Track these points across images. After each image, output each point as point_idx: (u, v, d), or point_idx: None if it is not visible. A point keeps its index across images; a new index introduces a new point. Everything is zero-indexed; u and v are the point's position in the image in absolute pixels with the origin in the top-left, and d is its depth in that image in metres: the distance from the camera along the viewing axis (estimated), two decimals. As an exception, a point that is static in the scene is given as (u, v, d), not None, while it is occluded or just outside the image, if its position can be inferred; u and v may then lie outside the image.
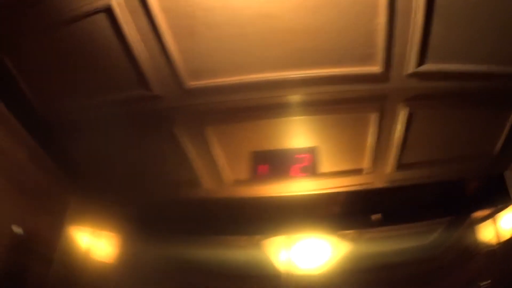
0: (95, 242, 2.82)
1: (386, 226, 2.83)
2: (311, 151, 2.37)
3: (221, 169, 2.47)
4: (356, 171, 2.50)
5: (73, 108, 2.18)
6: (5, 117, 2.09)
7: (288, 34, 1.82)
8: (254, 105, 2.13)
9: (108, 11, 1.74)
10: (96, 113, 2.18)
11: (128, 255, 2.91)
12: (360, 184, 2.57)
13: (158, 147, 2.38)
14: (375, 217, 2.69)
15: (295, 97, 2.12)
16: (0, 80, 1.99)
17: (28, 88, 2.08)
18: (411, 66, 1.90)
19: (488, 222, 2.82)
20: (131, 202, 2.82)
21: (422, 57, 1.88)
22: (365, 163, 2.46)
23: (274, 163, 2.39)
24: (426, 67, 1.92)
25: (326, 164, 2.44)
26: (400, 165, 2.46)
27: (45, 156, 2.41)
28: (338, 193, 2.63)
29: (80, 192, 2.61)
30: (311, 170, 2.38)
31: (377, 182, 2.56)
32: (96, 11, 1.75)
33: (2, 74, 1.96)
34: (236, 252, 3.00)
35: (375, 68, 1.92)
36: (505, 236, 2.71)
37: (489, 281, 2.84)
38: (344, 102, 2.12)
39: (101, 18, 1.77)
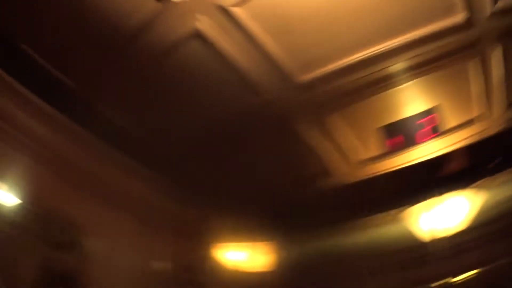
0: (242, 255, 3.03)
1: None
2: (429, 113, 2.49)
3: (347, 151, 2.65)
4: (469, 122, 2.58)
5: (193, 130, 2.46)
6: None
7: (373, 10, 1.98)
8: (364, 83, 2.28)
9: (198, 35, 1.97)
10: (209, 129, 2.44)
11: (279, 259, 3.09)
12: (477, 133, 2.64)
13: (281, 148, 2.61)
14: (496, 162, 2.76)
15: (397, 66, 2.25)
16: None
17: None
18: (488, 6, 2.01)
19: None
20: (263, 207, 2.95)
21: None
22: (476, 111, 2.53)
23: (397, 134, 2.56)
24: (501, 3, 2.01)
25: (442, 123, 2.54)
26: (509, 104, 2.51)
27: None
28: (458, 148, 2.70)
29: (211, 208, 2.83)
30: (430, 133, 2.54)
31: (492, 127, 2.63)
32: (186, 38, 2.00)
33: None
34: (375, 232, 3.12)
35: (459, 16, 2.04)
36: None
37: None
38: (440, 58, 2.23)
39: (193, 44, 2.02)
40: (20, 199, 2.43)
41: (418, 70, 2.32)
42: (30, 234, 2.30)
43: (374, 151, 2.69)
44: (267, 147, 2.61)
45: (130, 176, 2.60)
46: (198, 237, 2.81)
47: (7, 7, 1.93)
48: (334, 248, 3.07)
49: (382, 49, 2.19)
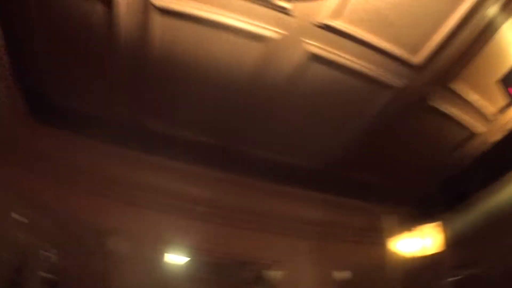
0: (414, 242, 3.05)
1: None
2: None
3: (480, 110, 2.66)
4: None
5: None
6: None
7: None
8: (470, 39, 2.28)
9: (312, 57, 2.13)
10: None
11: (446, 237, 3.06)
12: None
13: (425, 127, 2.65)
14: None
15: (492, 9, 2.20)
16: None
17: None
18: None
19: None
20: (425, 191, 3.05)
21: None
22: None
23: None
24: None
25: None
26: None
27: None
28: None
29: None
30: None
31: None
32: (303, 63, 2.15)
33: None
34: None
35: None
36: None
37: None
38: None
39: (312, 66, 2.17)
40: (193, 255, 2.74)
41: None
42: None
43: (501, 102, 2.65)
44: (415, 130, 2.66)
45: (304, 204, 2.78)
46: (373, 240, 2.90)
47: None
48: (497, 208, 3.00)
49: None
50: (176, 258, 2.99)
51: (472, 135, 2.80)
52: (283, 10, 1.93)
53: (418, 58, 2.29)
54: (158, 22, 2.06)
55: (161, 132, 2.69)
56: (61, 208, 2.85)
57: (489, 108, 2.69)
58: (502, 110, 2.70)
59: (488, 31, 2.36)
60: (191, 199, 2.92)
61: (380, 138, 2.64)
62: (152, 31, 2.09)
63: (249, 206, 2.96)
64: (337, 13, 2.01)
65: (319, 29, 2.05)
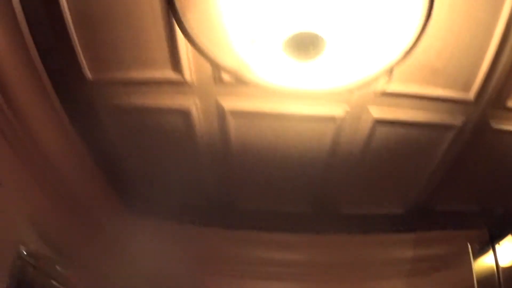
0: None
1: None
2: None
3: None
4: None
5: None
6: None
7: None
8: None
9: (379, 122, 2.34)
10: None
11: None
12: None
13: (492, 151, 2.65)
14: None
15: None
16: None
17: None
18: None
19: None
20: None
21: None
22: None
23: None
24: None
25: None
26: None
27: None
28: None
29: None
30: None
31: None
32: (372, 130, 2.38)
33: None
34: None
35: None
36: None
37: None
38: None
39: (380, 130, 2.38)
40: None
41: None
42: None
43: None
44: (486, 155, 2.71)
45: (392, 247, 3.05)
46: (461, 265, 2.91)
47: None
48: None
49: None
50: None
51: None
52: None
53: (471, 93, 2.39)
54: (232, 123, 2.34)
55: (253, 209, 2.96)
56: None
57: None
58: None
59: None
60: (286, 263, 3.20)
61: (453, 171, 2.74)
62: (228, 130, 2.37)
63: (343, 259, 3.19)
64: (389, 79, 2.19)
65: (378, 98, 2.25)
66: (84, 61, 2.08)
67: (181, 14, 1.71)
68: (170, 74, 2.12)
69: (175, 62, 2.06)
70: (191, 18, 1.73)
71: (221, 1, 1.60)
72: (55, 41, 1.98)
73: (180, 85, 2.17)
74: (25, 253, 2.20)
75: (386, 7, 1.68)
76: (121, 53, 2.07)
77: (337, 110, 2.27)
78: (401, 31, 1.80)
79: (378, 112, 2.32)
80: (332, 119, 2.31)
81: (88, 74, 2.14)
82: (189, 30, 1.78)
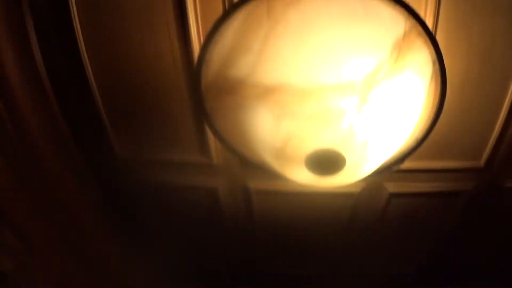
0: None
1: None
2: None
3: None
4: None
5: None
6: None
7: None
8: None
9: (394, 195, 2.50)
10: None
11: None
12: None
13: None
14: None
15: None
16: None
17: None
18: None
19: None
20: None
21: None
22: None
23: None
24: None
25: None
26: None
27: None
28: None
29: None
30: None
31: None
32: (387, 203, 2.54)
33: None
34: None
35: None
36: None
37: None
38: None
39: (395, 202, 2.54)
40: None
41: None
42: None
43: None
44: (503, 213, 2.76)
45: None
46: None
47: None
48: None
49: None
50: None
51: None
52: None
53: (482, 161, 2.49)
54: (256, 199, 2.50)
55: (274, 273, 3.11)
56: None
57: None
58: None
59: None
60: None
61: (471, 231, 2.83)
62: (252, 206, 2.54)
63: None
64: (403, 159, 2.36)
65: (392, 174, 2.39)
66: (114, 142, 2.24)
67: (210, 116, 1.79)
68: (197, 157, 2.27)
69: (203, 147, 2.21)
70: (220, 121, 1.82)
71: (249, 116, 1.67)
72: (88, 124, 2.13)
73: (207, 167, 2.32)
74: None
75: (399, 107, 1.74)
76: (151, 135, 2.22)
77: (354, 188, 2.42)
78: (415, 126, 1.89)
79: (393, 187, 2.46)
80: (350, 195, 2.46)
81: (119, 153, 2.29)
82: (218, 130, 1.86)
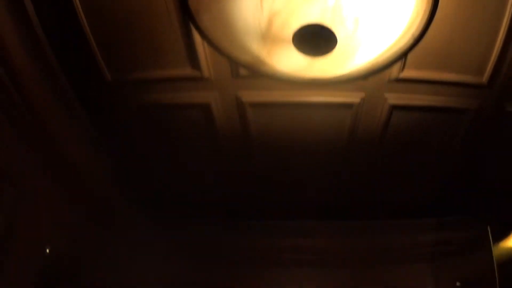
0: None
1: None
2: None
3: None
4: None
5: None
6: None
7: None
8: None
9: (395, 107, 2.40)
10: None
11: None
12: None
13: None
14: None
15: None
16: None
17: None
18: None
19: None
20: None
21: None
22: None
23: None
24: None
25: None
26: None
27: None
28: None
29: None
30: None
31: None
32: (388, 115, 2.44)
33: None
34: None
35: None
36: None
37: None
38: None
39: (396, 115, 2.44)
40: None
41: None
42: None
43: None
44: (504, 138, 2.71)
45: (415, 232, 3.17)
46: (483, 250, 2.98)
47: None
48: None
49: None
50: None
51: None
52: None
53: (485, 77, 2.41)
54: (251, 114, 2.41)
55: (275, 199, 3.04)
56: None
57: None
58: None
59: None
60: (309, 250, 3.26)
61: (473, 156, 2.76)
62: (247, 122, 2.45)
63: (365, 245, 3.29)
64: (403, 65, 2.24)
65: (393, 84, 2.30)
66: (102, 63, 2.16)
67: (195, 16, 1.77)
68: (188, 71, 2.20)
69: (193, 60, 2.13)
70: (205, 18, 1.79)
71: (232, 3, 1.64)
72: (73, 44, 2.05)
73: (199, 81, 2.24)
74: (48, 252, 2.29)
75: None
76: (139, 53, 2.15)
77: (353, 97, 2.32)
78: (409, 18, 1.81)
79: (394, 98, 2.36)
80: (349, 106, 2.36)
81: (107, 75, 2.22)
82: (204, 29, 1.83)
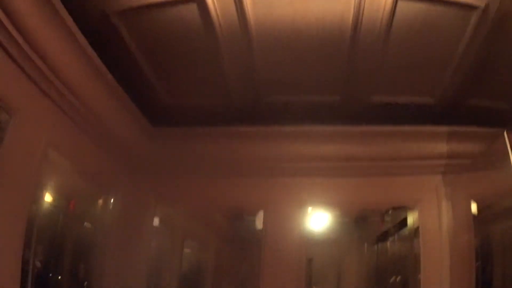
0: None
1: None
2: None
3: None
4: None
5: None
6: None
7: None
8: None
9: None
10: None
11: None
12: None
13: None
14: None
15: None
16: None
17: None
18: None
19: None
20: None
21: None
22: None
23: None
24: None
25: None
26: None
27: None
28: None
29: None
30: None
31: None
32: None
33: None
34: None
35: None
36: None
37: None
38: None
39: (400, 5, 2.22)
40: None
41: None
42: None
43: None
44: None
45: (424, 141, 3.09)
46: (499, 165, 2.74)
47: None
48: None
49: None
50: (320, 218, 3.27)
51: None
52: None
53: None
54: (250, 8, 2.24)
55: (278, 102, 2.94)
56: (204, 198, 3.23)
57: None
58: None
59: None
60: (316, 157, 3.19)
61: (482, 60, 2.59)
62: (246, 16, 2.28)
63: (375, 152, 3.17)
64: None
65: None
66: None
67: None
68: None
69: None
70: None
71: None
72: None
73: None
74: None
75: None
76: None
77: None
78: None
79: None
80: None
81: None
82: None
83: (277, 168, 3.22)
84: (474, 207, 2.91)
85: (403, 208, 3.28)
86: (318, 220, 3.32)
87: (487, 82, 2.76)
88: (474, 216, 2.90)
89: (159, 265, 3.32)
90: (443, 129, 3.13)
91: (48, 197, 2.41)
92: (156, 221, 3.25)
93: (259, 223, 3.20)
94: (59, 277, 2.60)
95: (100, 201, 2.95)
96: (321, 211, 3.34)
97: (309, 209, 3.24)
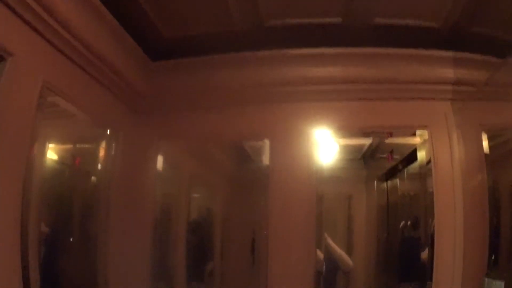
0: None
1: None
2: None
3: None
4: None
5: None
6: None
7: None
8: None
9: None
10: None
11: None
12: None
13: None
14: None
15: None
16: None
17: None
18: None
19: None
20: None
21: None
22: None
23: None
24: None
25: None
26: None
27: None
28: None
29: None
30: None
31: None
32: None
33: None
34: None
35: None
36: None
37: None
38: None
39: None
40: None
41: None
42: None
43: None
44: None
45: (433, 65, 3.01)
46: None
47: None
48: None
49: None
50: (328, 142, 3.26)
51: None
52: None
53: None
54: None
55: (280, 26, 2.79)
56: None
57: None
58: None
59: None
60: (319, 81, 3.08)
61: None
62: None
63: (380, 75, 3.05)
64: None
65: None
66: None
67: None
68: None
69: None
70: None
71: None
72: None
73: None
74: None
75: None
76: None
77: None
78: None
79: None
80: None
81: None
82: None
83: (282, 92, 3.11)
84: (485, 144, 2.83)
85: (412, 137, 3.23)
86: (325, 150, 3.28)
87: (492, 9, 2.60)
88: (486, 154, 2.81)
89: (167, 210, 3.30)
90: (449, 53, 3.01)
91: (50, 148, 2.35)
92: (159, 163, 3.18)
93: (265, 158, 3.16)
94: (71, 239, 2.54)
95: (102, 147, 2.87)
96: (328, 137, 3.27)
97: (315, 135, 3.15)
